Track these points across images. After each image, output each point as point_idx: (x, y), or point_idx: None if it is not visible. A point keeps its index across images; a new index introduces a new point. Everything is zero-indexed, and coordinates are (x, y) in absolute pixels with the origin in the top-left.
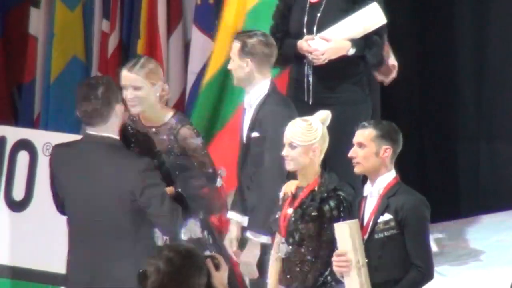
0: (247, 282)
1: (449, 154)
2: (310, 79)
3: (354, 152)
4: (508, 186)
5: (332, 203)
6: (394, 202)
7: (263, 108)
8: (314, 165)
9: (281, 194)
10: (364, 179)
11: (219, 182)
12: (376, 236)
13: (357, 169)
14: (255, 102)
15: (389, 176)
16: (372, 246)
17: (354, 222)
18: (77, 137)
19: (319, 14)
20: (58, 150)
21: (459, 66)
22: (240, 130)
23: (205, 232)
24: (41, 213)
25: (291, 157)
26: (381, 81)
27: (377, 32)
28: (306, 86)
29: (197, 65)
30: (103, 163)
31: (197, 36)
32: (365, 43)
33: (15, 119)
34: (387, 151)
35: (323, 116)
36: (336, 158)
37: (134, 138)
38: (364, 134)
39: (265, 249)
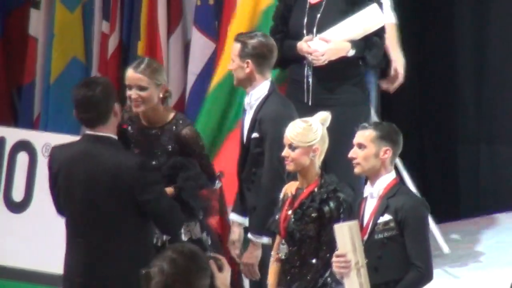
0: (248, 283)
1: (449, 155)
2: (310, 80)
3: (354, 153)
4: (508, 187)
5: (332, 204)
6: (394, 203)
7: (263, 108)
8: (314, 166)
9: (281, 195)
10: (366, 180)
11: (217, 184)
12: (375, 237)
13: (357, 170)
14: (255, 103)
15: (389, 177)
16: (372, 247)
17: (354, 223)
18: (77, 138)
19: (319, 15)
20: (56, 151)
21: (459, 66)
22: (241, 131)
23: (205, 233)
24: (40, 214)
25: (291, 158)
26: (386, 89)
27: (377, 33)
28: (306, 87)
29: (197, 66)
30: (102, 162)
31: (197, 37)
32: (365, 44)
33: (15, 120)
34: (387, 152)
35: (323, 117)
36: (336, 159)
37: (134, 139)
38: (364, 135)
39: (265, 250)
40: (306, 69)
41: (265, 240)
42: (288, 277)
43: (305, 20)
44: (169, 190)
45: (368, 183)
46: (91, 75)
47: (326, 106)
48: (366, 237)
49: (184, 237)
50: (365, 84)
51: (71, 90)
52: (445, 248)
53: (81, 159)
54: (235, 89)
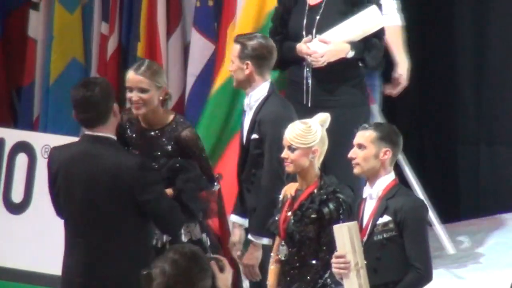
0: (248, 284)
1: (449, 155)
2: (310, 81)
3: (354, 153)
4: (508, 188)
5: (331, 206)
6: (393, 204)
7: (263, 110)
8: (313, 167)
9: (280, 196)
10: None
11: (216, 186)
12: (375, 238)
13: (356, 170)
14: (254, 104)
15: (388, 178)
16: (371, 248)
17: (353, 224)
18: (76, 139)
19: (318, 17)
20: (55, 152)
21: (459, 66)
22: (240, 132)
23: (204, 234)
24: (39, 215)
25: (291, 160)
26: (389, 93)
27: (376, 34)
28: (305, 89)
29: (197, 68)
30: (101, 162)
31: (196, 39)
32: (364, 45)
33: (15, 121)
34: (387, 153)
35: (323, 118)
36: (335, 161)
37: (133, 141)
38: (365, 136)
39: (265, 251)
40: (305, 70)
41: (266, 241)
42: (288, 278)
43: (305, 21)
44: (169, 191)
45: (368, 184)
46: (90, 76)
47: (325, 107)
48: (365, 238)
49: (184, 238)
50: (364, 86)
51: (70, 91)
52: (450, 249)
53: (80, 159)
54: (238, 92)
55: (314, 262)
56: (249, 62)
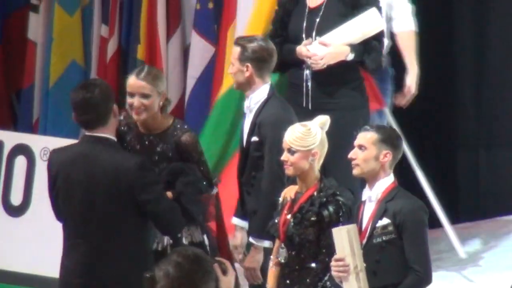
0: (247, 287)
1: (448, 157)
2: (309, 84)
3: (354, 154)
4: (508, 191)
5: (331, 208)
6: (392, 206)
7: (263, 112)
8: (313, 170)
9: (280, 199)
10: (362, 183)
11: (215, 190)
12: (374, 241)
13: (355, 171)
14: (254, 107)
15: (387, 180)
16: (371, 251)
17: (352, 227)
18: (75, 141)
19: (318, 20)
20: (55, 154)
21: (459, 66)
22: (240, 134)
23: (205, 236)
24: (38, 218)
25: (290, 162)
26: (398, 104)
27: (376, 37)
28: (305, 91)
29: (197, 70)
30: (101, 163)
31: (196, 41)
32: (364, 48)
33: (14, 124)
34: (387, 156)
35: (322, 121)
36: (335, 163)
37: (131, 146)
38: (366, 137)
39: (265, 254)
40: (305, 73)
41: (267, 243)
42: (288, 281)
43: (304, 24)
44: (169, 194)
45: (367, 186)
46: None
47: (325, 110)
48: (364, 241)
49: (185, 241)
50: (364, 88)
51: (70, 93)
52: (462, 253)
53: (80, 160)
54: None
55: (313, 265)
56: (249, 64)
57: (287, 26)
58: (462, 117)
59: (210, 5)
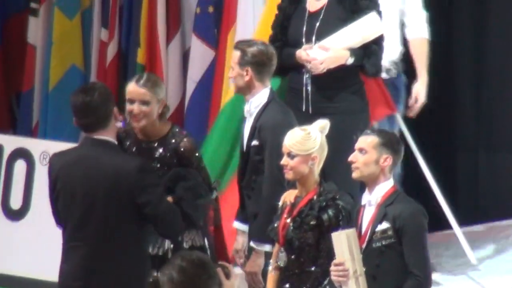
0: None
1: (448, 163)
2: (309, 88)
3: (354, 157)
4: (507, 195)
5: (330, 212)
6: (392, 210)
7: (263, 116)
8: (313, 174)
9: (280, 203)
10: (362, 187)
11: (214, 194)
12: (374, 245)
13: (355, 174)
14: (254, 111)
15: (387, 184)
16: (370, 255)
17: (351, 231)
18: (75, 145)
19: (318, 24)
20: (55, 158)
21: (459, 67)
22: (240, 138)
23: (206, 240)
24: (38, 222)
25: (290, 166)
26: (407, 115)
27: (376, 41)
28: (305, 95)
29: (197, 74)
30: (101, 165)
31: (196, 45)
32: (364, 52)
33: (14, 128)
34: (387, 160)
35: (322, 125)
36: (334, 167)
37: (129, 152)
38: (367, 141)
39: (265, 258)
40: (305, 77)
41: (268, 248)
42: (287, 285)
43: (304, 28)
44: (169, 199)
45: (366, 190)
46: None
47: (325, 114)
48: (364, 245)
49: (186, 245)
50: (364, 92)
51: (69, 97)
52: (473, 259)
53: (80, 163)
54: None
55: (313, 269)
56: (249, 68)
57: (287, 31)
58: (461, 118)
59: (210, 9)
